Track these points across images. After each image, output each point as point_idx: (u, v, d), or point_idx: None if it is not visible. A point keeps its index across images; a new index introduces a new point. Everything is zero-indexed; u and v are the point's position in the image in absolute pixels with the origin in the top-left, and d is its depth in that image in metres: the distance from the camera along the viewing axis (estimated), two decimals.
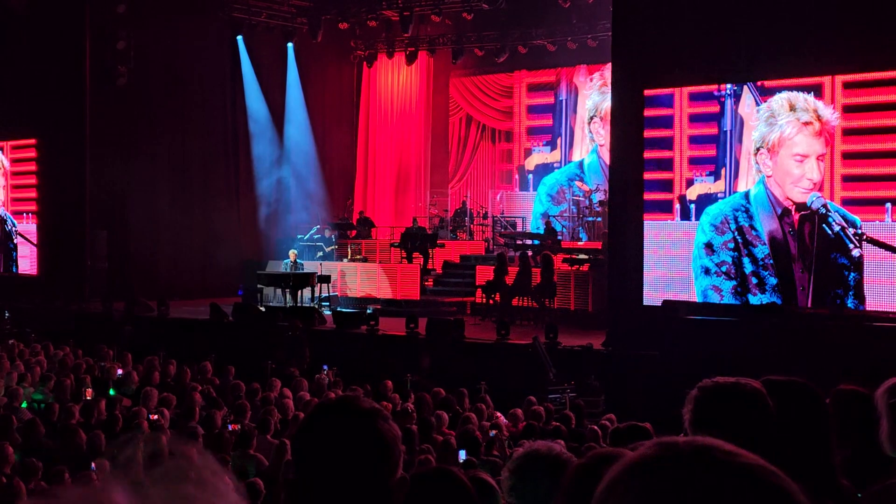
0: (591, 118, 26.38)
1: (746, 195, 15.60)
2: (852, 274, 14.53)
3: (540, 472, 3.12)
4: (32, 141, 24.99)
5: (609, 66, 24.77)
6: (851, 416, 3.70)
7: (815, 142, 15.05)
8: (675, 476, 1.19)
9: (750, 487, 1.18)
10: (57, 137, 24.09)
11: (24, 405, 12.08)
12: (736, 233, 15.61)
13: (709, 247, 15.86)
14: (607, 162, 25.29)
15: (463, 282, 22.37)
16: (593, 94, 26.33)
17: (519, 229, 25.89)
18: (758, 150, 15.48)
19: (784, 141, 15.25)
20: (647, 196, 16.53)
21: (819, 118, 14.95)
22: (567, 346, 16.33)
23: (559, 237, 23.44)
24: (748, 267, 15.45)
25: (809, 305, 14.98)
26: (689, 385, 2.82)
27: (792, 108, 15.17)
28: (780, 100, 15.29)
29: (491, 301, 20.15)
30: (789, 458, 2.89)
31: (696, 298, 16.00)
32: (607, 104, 25.42)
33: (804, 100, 15.10)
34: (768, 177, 15.40)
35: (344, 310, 20.63)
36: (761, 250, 15.36)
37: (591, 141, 26.43)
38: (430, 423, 10.84)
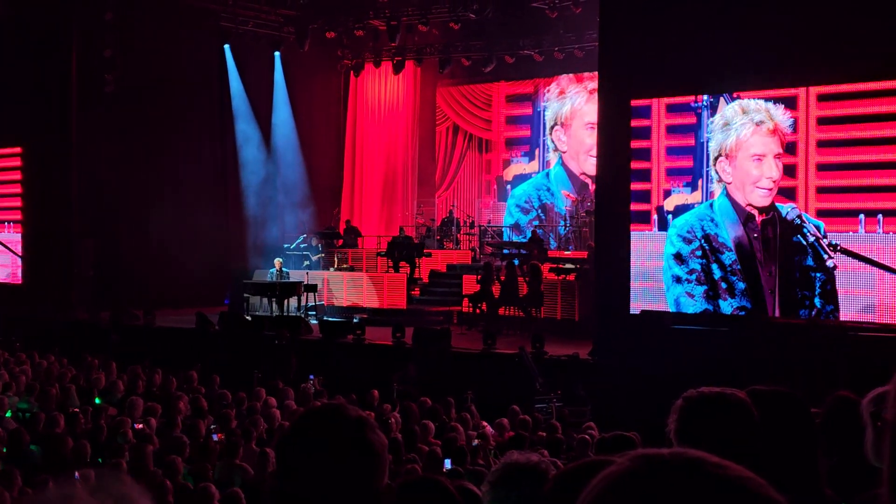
0: (553, 127, 26.58)
1: (711, 205, 15.74)
2: (818, 275, 14.63)
3: (520, 484, 3.11)
4: (17, 149, 24.87)
5: (565, 76, 25.79)
6: (842, 424, 3.72)
7: (770, 141, 15.24)
8: (663, 490, 1.17)
9: (741, 501, 1.17)
10: (43, 146, 23.97)
11: (8, 414, 12.03)
12: (703, 240, 15.74)
13: (678, 257, 15.96)
14: (573, 169, 25.71)
15: (449, 291, 22.36)
16: (552, 104, 26.58)
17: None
18: (716, 159, 15.66)
19: (741, 144, 15.45)
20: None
21: (771, 118, 15.16)
22: (553, 356, 16.34)
23: (545, 247, 23.48)
24: (717, 273, 15.58)
25: (778, 309, 15.08)
26: (675, 394, 2.83)
27: (745, 112, 15.42)
28: (732, 107, 15.57)
29: (478, 310, 20.14)
30: (774, 468, 2.90)
31: (669, 308, 16.07)
32: (565, 110, 25.97)
33: (756, 103, 15.38)
34: (728, 184, 15.55)
35: (330, 319, 20.59)
36: (728, 256, 15.50)
37: (553, 151, 26.59)
38: (415, 433, 10.83)
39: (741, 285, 15.35)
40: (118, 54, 23.47)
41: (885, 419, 3.05)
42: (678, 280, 15.93)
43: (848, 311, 14.46)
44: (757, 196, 15.31)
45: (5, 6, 23.36)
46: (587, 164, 24.84)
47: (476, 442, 10.56)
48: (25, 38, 23.59)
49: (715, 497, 1.16)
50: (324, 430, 2.17)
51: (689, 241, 15.86)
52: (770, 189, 15.21)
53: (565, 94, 26.36)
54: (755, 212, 15.33)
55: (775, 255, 15.05)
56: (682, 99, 16.28)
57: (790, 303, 15.00)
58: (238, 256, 25.19)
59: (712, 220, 15.67)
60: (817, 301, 14.67)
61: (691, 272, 15.80)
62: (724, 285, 15.49)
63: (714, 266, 15.58)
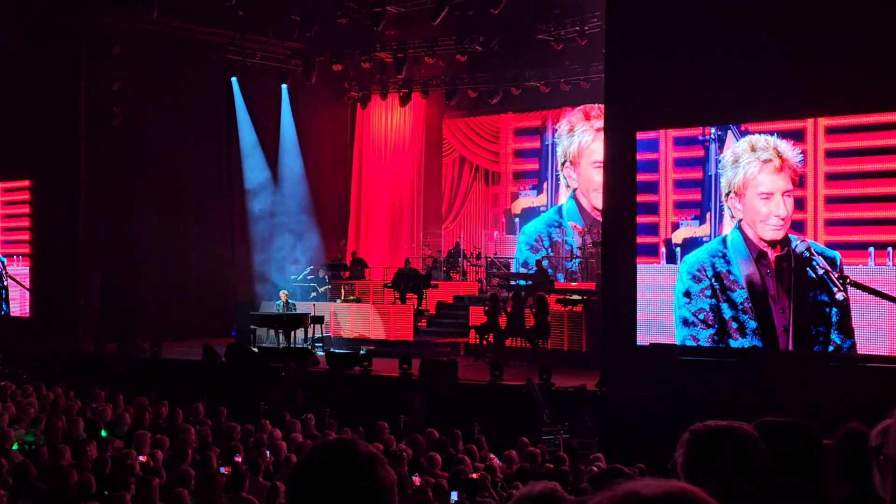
0: (563, 164, 26.58)
1: (724, 240, 15.67)
2: (834, 309, 14.55)
3: None
4: (26, 183, 24.99)
5: (575, 109, 25.84)
6: (853, 456, 3.70)
7: (777, 178, 15.19)
8: None
9: None
10: (51, 179, 24.11)
11: (15, 447, 12.00)
12: (713, 279, 15.63)
13: (686, 294, 15.88)
14: (584, 205, 25.68)
15: (456, 322, 22.32)
16: (562, 140, 26.58)
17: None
18: (727, 195, 15.63)
19: (748, 182, 15.42)
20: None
21: (779, 155, 15.13)
22: (561, 387, 16.28)
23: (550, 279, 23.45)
24: (727, 312, 15.45)
25: (791, 346, 14.99)
26: (683, 427, 2.81)
27: (753, 150, 15.40)
28: (742, 143, 15.52)
29: (484, 342, 20.10)
30: (785, 499, 2.88)
31: (677, 343, 16.01)
32: (573, 148, 25.97)
33: (765, 140, 15.33)
34: (741, 220, 15.52)
35: (337, 351, 20.57)
36: (740, 294, 15.39)
37: (566, 187, 26.58)
38: (422, 465, 10.78)
39: (752, 324, 15.25)
40: (126, 87, 23.60)
41: (886, 454, 3.03)
42: (685, 322, 15.86)
43: (859, 344, 14.37)
44: (768, 231, 15.25)
45: (14, 41, 23.52)
46: (598, 201, 24.82)
47: (475, 475, 10.47)
48: (34, 71, 23.75)
49: None
50: (333, 466, 2.17)
51: (698, 280, 15.79)
52: (779, 227, 15.16)
53: (574, 130, 26.34)
54: (767, 248, 15.26)
55: (789, 292, 14.96)
56: (690, 132, 16.28)
57: (804, 340, 14.85)
58: (245, 288, 25.21)
59: (724, 257, 15.59)
60: (835, 336, 14.53)
61: (698, 311, 15.71)
62: (734, 325, 15.39)
63: (724, 305, 15.48)
